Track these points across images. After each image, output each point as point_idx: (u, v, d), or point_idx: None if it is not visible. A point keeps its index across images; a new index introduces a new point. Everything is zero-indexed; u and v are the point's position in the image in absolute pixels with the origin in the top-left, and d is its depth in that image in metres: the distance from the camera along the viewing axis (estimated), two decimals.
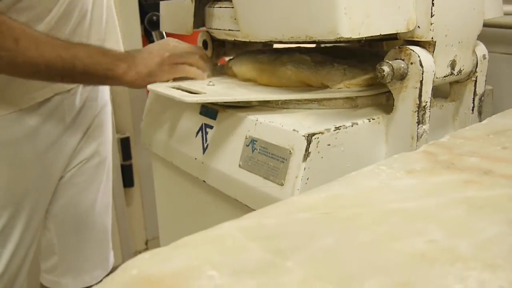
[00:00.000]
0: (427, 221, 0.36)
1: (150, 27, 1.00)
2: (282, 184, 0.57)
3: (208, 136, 0.70)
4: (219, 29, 0.73)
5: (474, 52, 0.67)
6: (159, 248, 0.32)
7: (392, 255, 0.32)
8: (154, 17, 0.92)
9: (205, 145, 0.70)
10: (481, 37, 0.67)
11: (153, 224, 1.55)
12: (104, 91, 0.99)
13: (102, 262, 1.04)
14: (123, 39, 1.49)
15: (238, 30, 0.68)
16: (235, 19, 0.67)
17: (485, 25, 0.67)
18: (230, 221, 0.36)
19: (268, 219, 0.37)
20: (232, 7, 0.68)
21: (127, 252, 1.59)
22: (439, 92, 0.71)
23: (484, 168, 0.45)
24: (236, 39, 0.71)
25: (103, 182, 1.01)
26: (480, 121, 0.70)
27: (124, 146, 1.50)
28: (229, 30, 0.71)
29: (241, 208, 0.65)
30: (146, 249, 1.67)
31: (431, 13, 0.59)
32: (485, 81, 0.70)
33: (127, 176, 1.53)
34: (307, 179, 0.56)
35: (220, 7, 0.72)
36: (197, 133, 0.72)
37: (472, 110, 0.69)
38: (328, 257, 0.32)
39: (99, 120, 0.97)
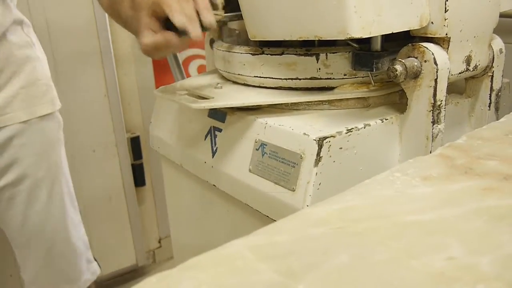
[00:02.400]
0: (445, 235, 0.34)
1: None
2: (293, 190, 0.56)
3: (217, 139, 0.69)
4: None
5: (490, 46, 0.64)
6: (167, 271, 0.31)
7: (410, 274, 0.30)
8: None
9: (214, 149, 0.69)
10: (497, 28, 0.65)
11: (166, 222, 1.55)
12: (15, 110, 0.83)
13: (69, 279, 0.97)
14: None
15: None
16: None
17: (501, 15, 0.65)
18: (241, 238, 0.35)
19: (279, 236, 0.35)
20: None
21: (140, 251, 1.59)
22: (454, 88, 0.69)
23: (504, 173, 0.43)
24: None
25: (43, 204, 0.90)
26: (498, 117, 0.68)
27: (135, 145, 1.50)
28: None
29: (252, 213, 0.63)
30: (160, 247, 1.67)
31: (445, 8, 0.56)
32: (502, 75, 0.68)
33: (138, 175, 1.53)
34: (319, 184, 0.54)
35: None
36: (206, 136, 0.71)
37: (489, 106, 0.67)
38: (342, 277, 0.30)
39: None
